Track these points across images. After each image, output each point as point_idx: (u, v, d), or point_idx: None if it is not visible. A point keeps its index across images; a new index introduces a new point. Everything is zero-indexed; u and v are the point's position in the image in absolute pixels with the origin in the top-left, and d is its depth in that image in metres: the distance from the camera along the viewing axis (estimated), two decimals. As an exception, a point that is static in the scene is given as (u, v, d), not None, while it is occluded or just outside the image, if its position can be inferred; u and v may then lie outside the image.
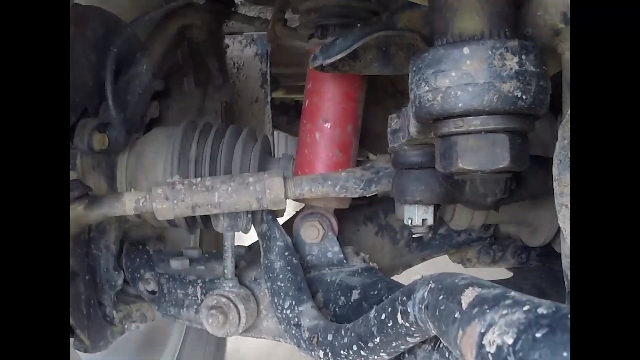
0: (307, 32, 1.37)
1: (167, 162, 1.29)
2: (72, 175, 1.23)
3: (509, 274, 1.53)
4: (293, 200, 1.19)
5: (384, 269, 1.44)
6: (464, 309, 0.59)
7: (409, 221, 1.10)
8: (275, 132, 2.54)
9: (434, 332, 0.67)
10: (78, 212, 1.16)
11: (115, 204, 1.16)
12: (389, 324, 0.75)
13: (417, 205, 1.08)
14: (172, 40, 1.47)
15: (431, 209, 1.09)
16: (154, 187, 1.13)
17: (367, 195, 1.19)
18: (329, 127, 1.29)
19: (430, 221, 1.09)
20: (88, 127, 1.24)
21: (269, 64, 2.08)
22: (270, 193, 1.11)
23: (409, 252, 1.47)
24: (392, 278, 1.42)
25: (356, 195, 1.17)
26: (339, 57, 1.03)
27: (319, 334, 0.98)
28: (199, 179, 1.14)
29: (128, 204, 1.14)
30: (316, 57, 1.08)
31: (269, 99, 2.05)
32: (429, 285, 0.67)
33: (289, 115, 2.40)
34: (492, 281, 1.40)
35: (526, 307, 0.54)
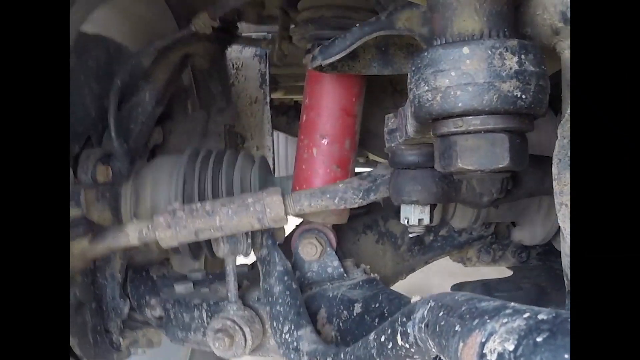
0: (305, 44, 1.36)
1: (171, 192, 1.30)
2: (77, 212, 1.23)
3: (509, 273, 1.53)
4: (294, 216, 1.19)
5: (388, 276, 1.45)
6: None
7: (406, 221, 1.10)
8: (275, 133, 2.54)
9: (434, 351, 0.66)
10: (83, 247, 1.17)
11: (119, 236, 1.16)
12: (389, 346, 0.75)
13: (413, 205, 1.09)
14: (174, 68, 1.48)
15: (427, 209, 1.09)
16: (155, 216, 1.13)
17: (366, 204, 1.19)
18: (326, 142, 1.28)
19: (426, 221, 1.10)
20: (92, 159, 1.24)
21: (267, 65, 2.08)
22: (270, 212, 1.11)
23: (412, 256, 1.47)
24: (396, 283, 1.44)
25: (356, 205, 1.17)
26: (338, 57, 1.03)
27: (318, 358, 0.98)
28: (199, 204, 1.14)
29: (132, 235, 1.15)
30: (315, 58, 1.07)
31: (268, 100, 2.05)
32: (429, 304, 0.67)
33: (288, 116, 2.40)
34: (490, 283, 1.40)
35: (526, 315, 0.54)
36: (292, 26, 1.56)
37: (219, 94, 1.70)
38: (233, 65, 2.08)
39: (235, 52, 2.09)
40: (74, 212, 1.22)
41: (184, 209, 1.13)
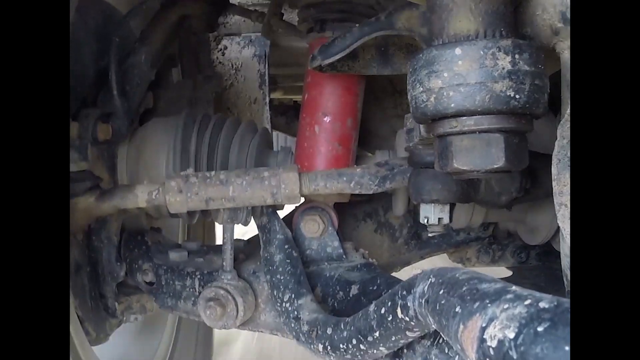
0: (306, 26, 1.37)
1: (168, 155, 1.29)
2: (84, 165, 1.21)
3: (509, 273, 1.53)
4: (307, 195, 1.18)
5: (382, 266, 1.44)
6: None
7: (425, 220, 1.10)
8: (275, 133, 2.54)
9: (434, 327, 0.66)
10: (89, 204, 1.16)
11: (128, 196, 1.15)
12: (389, 318, 0.75)
13: (433, 204, 1.08)
14: (171, 30, 1.46)
15: (447, 208, 1.09)
16: (167, 180, 1.12)
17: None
18: (328, 120, 1.29)
19: (446, 220, 1.09)
20: (91, 117, 1.22)
21: (267, 65, 2.08)
22: (285, 188, 1.10)
23: (408, 250, 1.47)
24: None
25: (371, 192, 1.16)
26: (337, 57, 1.03)
27: (318, 327, 0.97)
28: (212, 173, 1.13)
29: (140, 196, 1.14)
30: (315, 58, 1.07)
31: (267, 100, 2.05)
32: (429, 279, 0.67)
33: (288, 116, 2.39)
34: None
35: (528, 302, 0.53)
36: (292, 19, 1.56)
37: (206, 60, 1.69)
38: (232, 65, 2.09)
39: (234, 53, 2.09)
40: (81, 165, 1.21)
41: (198, 175, 1.12)
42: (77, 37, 1.24)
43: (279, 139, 4.40)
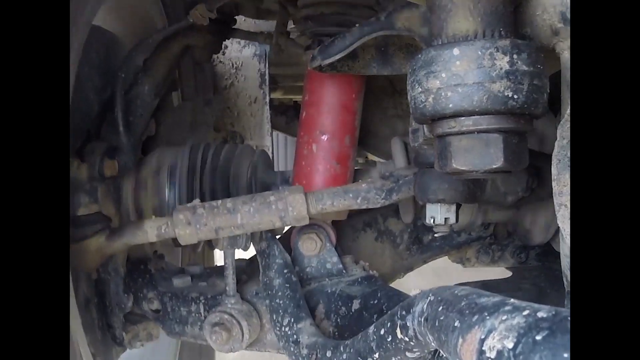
0: (305, 41, 1.37)
1: (173, 187, 1.30)
2: (95, 208, 1.22)
3: (509, 274, 1.53)
4: (315, 215, 1.18)
5: (386, 274, 1.44)
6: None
7: (431, 220, 1.10)
8: (274, 133, 2.55)
9: (433, 345, 0.66)
10: (100, 244, 1.17)
11: (137, 233, 1.16)
12: (388, 339, 0.75)
13: (439, 204, 1.08)
14: (174, 59, 1.47)
15: (453, 207, 1.08)
16: (175, 213, 1.12)
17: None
18: (326, 139, 1.28)
19: (452, 220, 1.09)
20: (97, 152, 1.23)
21: (267, 65, 2.08)
22: (292, 210, 1.10)
23: (410, 255, 1.47)
24: (393, 282, 1.43)
25: (378, 206, 1.16)
26: (337, 57, 1.03)
27: (318, 350, 0.98)
28: (219, 202, 1.13)
29: (150, 232, 1.14)
30: (315, 58, 1.07)
31: (267, 100, 2.05)
32: (428, 298, 0.67)
33: (288, 116, 2.40)
34: (489, 283, 1.40)
35: (526, 312, 0.53)
36: (290, 22, 1.56)
37: (207, 85, 1.69)
38: (233, 65, 2.09)
39: (235, 52, 2.10)
40: (92, 207, 1.22)
41: (204, 206, 1.12)
42: (81, 72, 1.24)
43: (279, 139, 4.40)
